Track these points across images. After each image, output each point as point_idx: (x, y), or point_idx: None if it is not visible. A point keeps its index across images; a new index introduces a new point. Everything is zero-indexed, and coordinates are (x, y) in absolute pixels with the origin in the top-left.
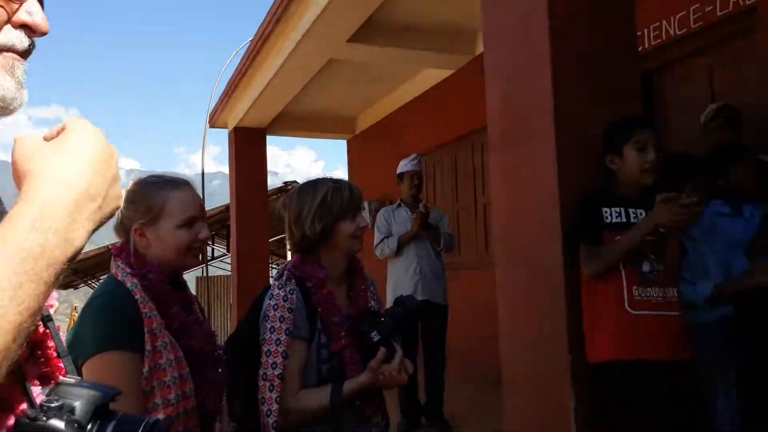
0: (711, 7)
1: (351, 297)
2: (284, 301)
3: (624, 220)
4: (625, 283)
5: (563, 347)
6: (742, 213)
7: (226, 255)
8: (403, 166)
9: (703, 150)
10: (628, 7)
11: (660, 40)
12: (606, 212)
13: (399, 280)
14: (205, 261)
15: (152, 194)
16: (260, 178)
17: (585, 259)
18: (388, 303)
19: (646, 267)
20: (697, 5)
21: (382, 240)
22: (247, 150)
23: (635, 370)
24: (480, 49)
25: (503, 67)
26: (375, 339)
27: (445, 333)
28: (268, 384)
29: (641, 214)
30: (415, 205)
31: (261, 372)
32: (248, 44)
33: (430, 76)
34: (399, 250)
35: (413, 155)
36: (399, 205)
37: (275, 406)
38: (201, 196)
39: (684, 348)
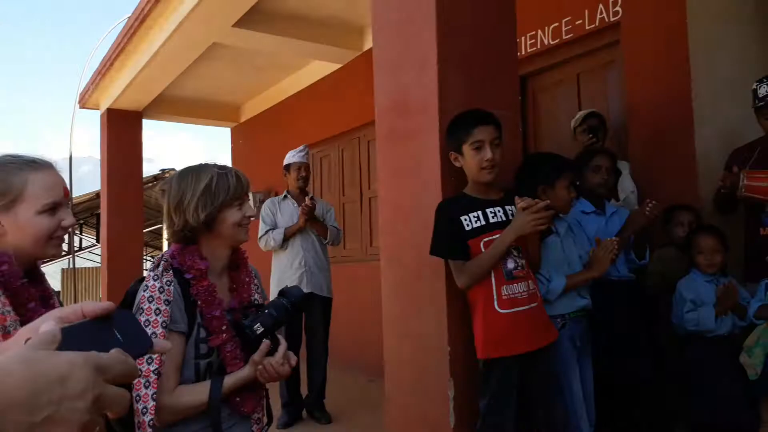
0: (580, 21)
1: (233, 290)
2: (160, 292)
3: (483, 222)
4: (494, 284)
5: (443, 340)
6: (604, 212)
7: (96, 246)
8: (291, 157)
9: (571, 152)
10: (510, 13)
11: (535, 48)
12: (465, 220)
13: (283, 272)
14: (72, 252)
15: (9, 176)
16: (135, 163)
17: (455, 273)
18: (272, 296)
19: (511, 264)
20: (569, 18)
21: (266, 232)
22: (121, 133)
23: (499, 366)
24: (368, 44)
25: (391, 64)
26: (258, 332)
27: (328, 326)
28: (143, 380)
29: (499, 211)
30: (302, 197)
31: None
32: (126, 20)
33: (318, 69)
34: (284, 243)
35: (301, 146)
36: (285, 196)
37: (152, 404)
38: (66, 180)
39: (547, 333)
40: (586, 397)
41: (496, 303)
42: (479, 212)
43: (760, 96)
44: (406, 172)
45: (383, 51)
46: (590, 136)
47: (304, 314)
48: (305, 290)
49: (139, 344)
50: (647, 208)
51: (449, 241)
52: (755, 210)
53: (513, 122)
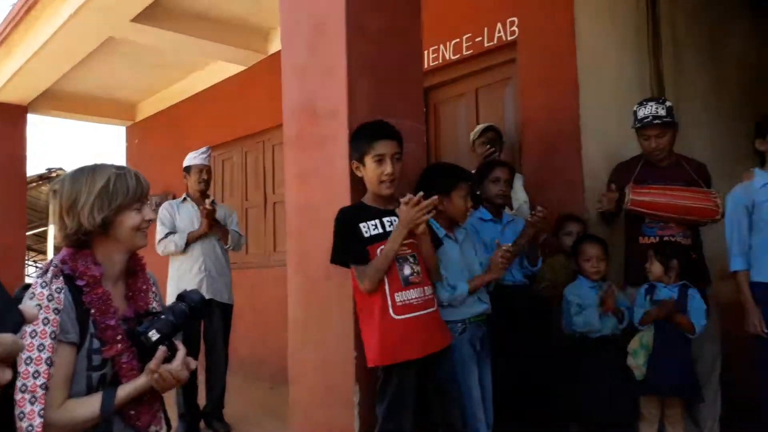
0: (480, 38)
1: (129, 298)
2: (49, 300)
3: (381, 231)
4: (388, 290)
5: (349, 345)
6: (501, 220)
7: None
8: (191, 159)
9: (470, 163)
10: (417, 26)
11: (437, 62)
12: (363, 227)
13: (182, 278)
14: None
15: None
16: (18, 161)
17: (358, 278)
18: (169, 303)
19: (407, 270)
20: (470, 35)
21: (166, 236)
22: (4, 129)
23: (396, 372)
24: (274, 48)
25: (299, 68)
26: (153, 338)
27: (228, 333)
28: (29, 396)
29: (395, 221)
30: (203, 200)
31: (19, 383)
32: (12, 7)
33: (220, 70)
34: (185, 248)
35: (203, 148)
36: (184, 199)
37: (38, 421)
38: None
39: (442, 337)
40: (484, 399)
41: (391, 309)
42: (377, 221)
43: (639, 117)
44: (314, 176)
45: (291, 55)
46: (488, 147)
47: (204, 321)
48: (205, 296)
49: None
50: (534, 213)
51: (349, 247)
52: (636, 220)
53: (419, 132)
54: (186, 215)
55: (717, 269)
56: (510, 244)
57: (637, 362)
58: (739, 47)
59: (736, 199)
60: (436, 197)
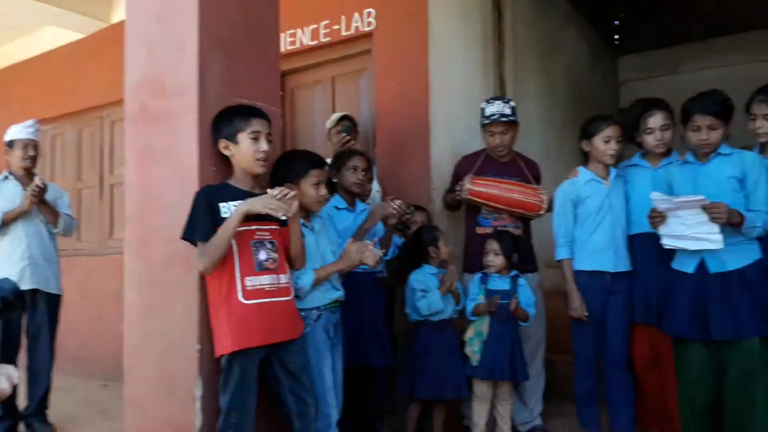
0: (338, 26)
1: None
2: None
3: None
4: (239, 274)
5: (192, 337)
6: (355, 209)
7: None
8: (16, 132)
9: (325, 152)
10: (274, 7)
11: (294, 47)
12: (223, 207)
13: (1, 264)
14: None
15: None
16: None
17: (198, 257)
18: None
19: (263, 255)
20: (327, 22)
21: None
22: None
23: (242, 359)
24: (118, 17)
25: (146, 41)
26: None
27: (55, 326)
28: None
29: None
30: (28, 179)
31: None
32: None
33: (54, 36)
34: (3, 229)
35: (30, 121)
36: (6, 177)
37: None
38: None
39: (293, 327)
40: (335, 385)
41: (240, 293)
42: (240, 202)
43: (487, 114)
44: (158, 156)
45: (137, 25)
46: (344, 136)
47: (27, 314)
48: (28, 286)
49: None
50: (390, 203)
51: (203, 225)
52: (473, 211)
53: (275, 116)
54: (8, 194)
55: (544, 258)
56: (379, 249)
57: (473, 349)
58: (568, 57)
59: (563, 194)
60: (291, 192)
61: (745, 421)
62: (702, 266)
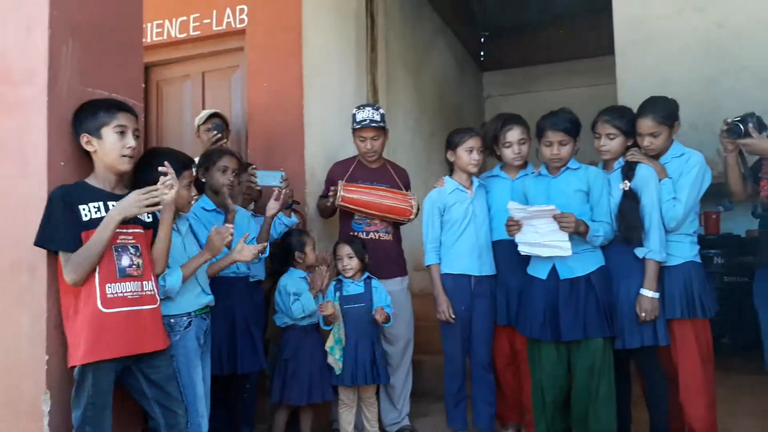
0: (209, 20)
1: None
2: None
3: (104, 214)
4: (98, 281)
5: (40, 348)
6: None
7: None
8: None
9: (194, 149)
10: None
11: (162, 38)
12: (83, 209)
13: None
14: None
15: None
16: None
17: (64, 268)
18: None
19: (125, 261)
20: (198, 15)
21: None
22: None
23: (99, 371)
24: None
25: None
26: None
27: None
28: None
29: None
30: None
31: None
32: None
33: None
34: None
35: None
36: None
37: None
38: None
39: (159, 339)
40: (204, 393)
41: (99, 301)
42: (101, 203)
43: (358, 120)
44: (3, 149)
45: None
46: (215, 134)
47: None
48: None
49: None
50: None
51: (62, 230)
52: (348, 216)
53: (137, 111)
54: None
55: (413, 262)
56: (230, 225)
57: (335, 357)
58: (437, 69)
59: (431, 202)
60: (170, 180)
61: (590, 413)
62: (553, 272)
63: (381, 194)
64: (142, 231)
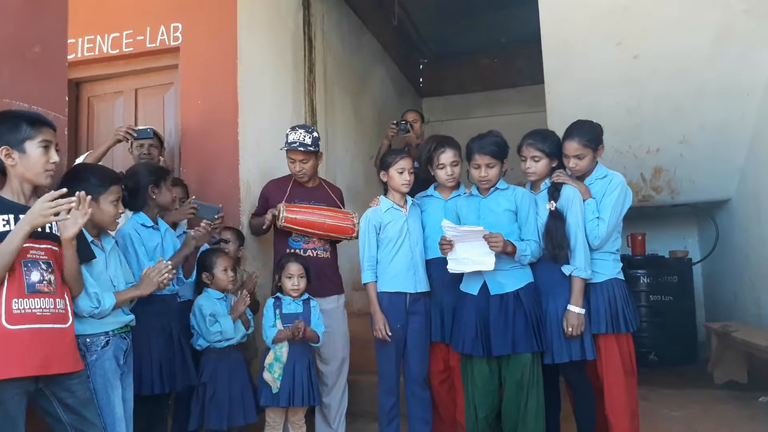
0: (142, 37)
1: None
2: None
3: (13, 227)
4: (4, 296)
5: None
6: (159, 227)
7: None
8: None
9: (124, 166)
10: (62, 6)
11: (93, 54)
12: None
13: None
14: None
15: None
16: None
17: None
18: None
19: (35, 277)
20: (131, 31)
21: None
22: None
23: (5, 392)
24: None
25: None
26: None
27: None
28: None
29: None
30: None
31: None
32: None
33: None
34: None
35: None
36: None
37: None
38: None
39: (71, 360)
40: (126, 416)
41: (3, 317)
42: (11, 216)
43: (289, 141)
44: None
45: None
46: (146, 152)
47: None
48: None
49: None
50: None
51: None
52: (284, 234)
53: (61, 125)
54: None
55: (351, 280)
56: (167, 261)
57: (273, 376)
58: (376, 93)
59: (367, 221)
60: (83, 192)
61: (519, 427)
62: (484, 288)
63: (324, 214)
64: (56, 248)
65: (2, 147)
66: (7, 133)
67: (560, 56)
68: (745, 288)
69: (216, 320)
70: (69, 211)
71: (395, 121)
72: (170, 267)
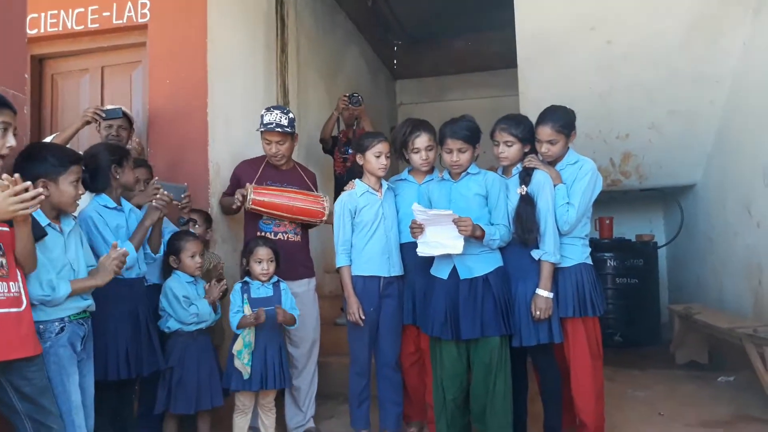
0: (108, 13)
1: None
2: None
3: None
4: None
5: None
6: (122, 208)
7: None
8: None
9: (89, 144)
10: None
11: (57, 29)
12: None
13: None
14: None
15: None
16: None
17: None
18: None
19: None
20: (96, 7)
21: None
22: None
23: None
24: None
25: None
26: None
27: None
28: None
29: None
30: None
31: None
32: None
33: None
34: None
35: None
36: None
37: None
38: None
39: (24, 344)
40: (86, 404)
41: None
42: None
43: (264, 122)
44: None
45: None
46: (115, 133)
47: None
48: None
49: None
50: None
51: None
52: (254, 217)
53: (20, 103)
54: None
55: (324, 264)
56: (123, 249)
57: (243, 361)
58: (349, 75)
59: (342, 205)
60: (41, 190)
61: (488, 409)
62: (454, 272)
63: (292, 196)
64: (6, 229)
65: None
66: None
67: (534, 41)
68: (707, 272)
69: (192, 302)
70: (35, 197)
71: (347, 94)
72: (124, 251)
